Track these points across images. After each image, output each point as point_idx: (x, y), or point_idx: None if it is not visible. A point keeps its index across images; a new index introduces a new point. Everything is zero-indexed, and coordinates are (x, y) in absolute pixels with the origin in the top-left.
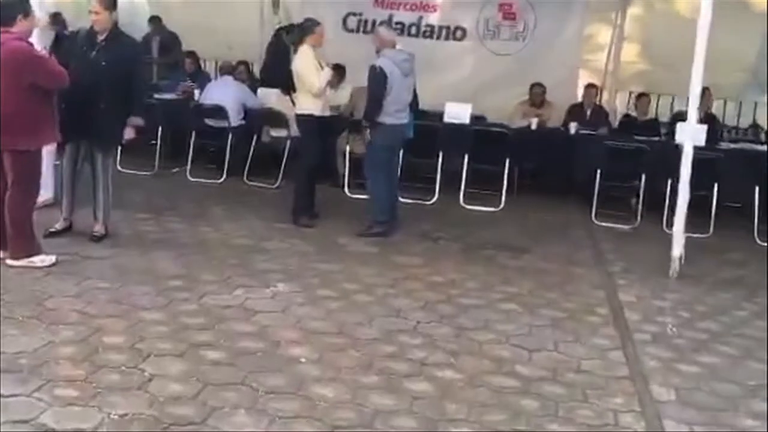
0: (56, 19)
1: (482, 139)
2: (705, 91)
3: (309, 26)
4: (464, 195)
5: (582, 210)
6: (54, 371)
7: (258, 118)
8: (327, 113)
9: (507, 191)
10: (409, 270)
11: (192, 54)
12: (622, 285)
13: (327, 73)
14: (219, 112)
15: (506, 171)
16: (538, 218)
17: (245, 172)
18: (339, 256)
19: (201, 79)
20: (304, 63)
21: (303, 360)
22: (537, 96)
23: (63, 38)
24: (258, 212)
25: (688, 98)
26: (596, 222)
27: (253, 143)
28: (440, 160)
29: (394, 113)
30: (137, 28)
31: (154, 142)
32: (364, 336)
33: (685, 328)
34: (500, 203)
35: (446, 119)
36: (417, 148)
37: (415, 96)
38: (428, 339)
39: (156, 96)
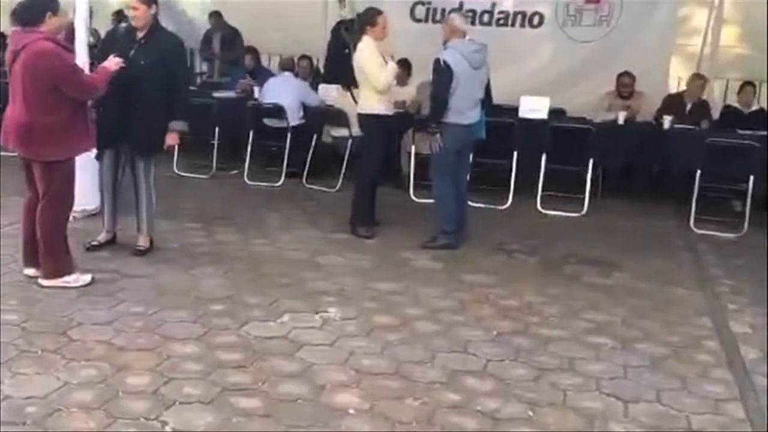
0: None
1: (562, 136)
2: None
3: (369, 16)
4: (542, 199)
5: (678, 216)
6: (62, 424)
7: (318, 117)
8: (392, 112)
9: (590, 195)
10: (480, 290)
11: (251, 49)
12: (732, 311)
13: (392, 68)
14: (277, 111)
15: (590, 172)
16: (628, 226)
17: (305, 175)
18: (400, 273)
19: (262, 75)
20: (366, 57)
21: (351, 411)
22: (625, 86)
23: None
24: (316, 221)
25: None
26: (695, 230)
27: (313, 144)
28: (515, 160)
29: (463, 112)
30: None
31: (212, 142)
32: (425, 378)
33: None
34: (583, 208)
35: (521, 114)
36: (489, 148)
37: (488, 92)
38: (501, 384)
39: (214, 94)
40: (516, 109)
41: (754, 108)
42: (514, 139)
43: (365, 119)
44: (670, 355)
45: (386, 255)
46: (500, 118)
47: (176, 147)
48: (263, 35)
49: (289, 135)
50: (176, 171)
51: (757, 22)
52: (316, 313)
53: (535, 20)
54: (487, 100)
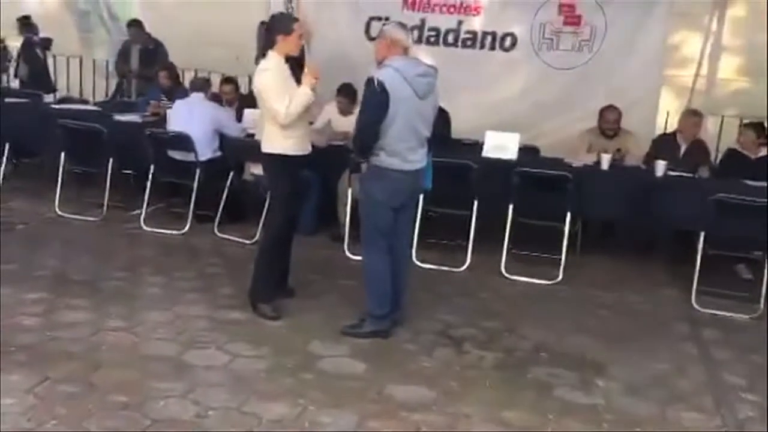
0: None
1: (534, 182)
2: None
3: (283, 23)
4: (507, 260)
5: (675, 284)
6: None
7: (236, 150)
8: (305, 152)
9: (568, 255)
10: (413, 417)
11: (167, 65)
12: None
13: (303, 95)
14: (182, 141)
15: (567, 227)
16: (614, 301)
17: (216, 221)
18: (299, 383)
19: (180, 96)
20: (267, 80)
21: None
22: (609, 123)
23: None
24: (210, 289)
25: None
26: (698, 307)
27: (229, 183)
28: (475, 210)
29: (402, 154)
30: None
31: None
32: None
33: None
34: (558, 273)
35: (485, 153)
36: (444, 194)
37: (443, 125)
38: None
39: (115, 117)
40: (479, 146)
41: (762, 153)
42: (475, 184)
43: (268, 160)
44: None
45: (289, 347)
46: (459, 159)
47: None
48: (199, 50)
49: (198, 171)
50: (57, 211)
51: (762, 50)
52: None
53: (507, 42)
54: (434, 139)
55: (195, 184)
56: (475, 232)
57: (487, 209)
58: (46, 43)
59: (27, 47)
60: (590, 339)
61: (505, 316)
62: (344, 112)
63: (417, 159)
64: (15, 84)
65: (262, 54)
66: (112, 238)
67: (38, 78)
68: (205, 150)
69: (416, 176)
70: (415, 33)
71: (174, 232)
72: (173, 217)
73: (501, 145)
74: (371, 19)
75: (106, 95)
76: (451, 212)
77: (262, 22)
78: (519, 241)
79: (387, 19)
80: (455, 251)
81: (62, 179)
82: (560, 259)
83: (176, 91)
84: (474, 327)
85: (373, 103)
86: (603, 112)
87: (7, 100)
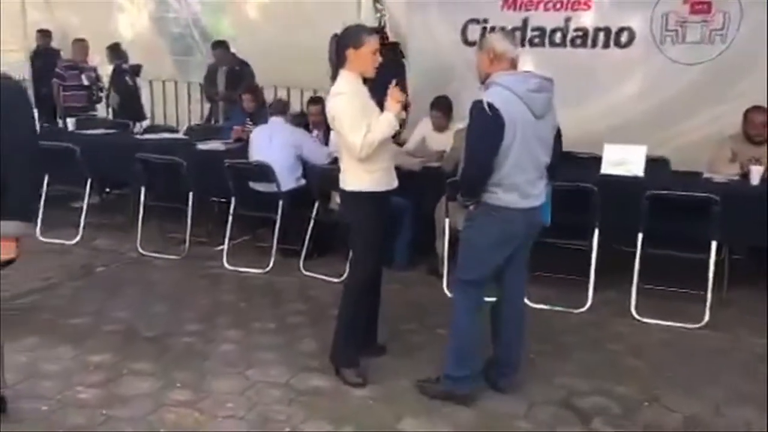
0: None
1: (669, 205)
2: None
3: (352, 36)
4: (637, 300)
5: None
6: None
7: (320, 178)
8: (390, 186)
9: (713, 291)
10: None
11: (251, 88)
12: None
13: (384, 125)
14: (263, 172)
15: (712, 258)
16: None
17: (302, 258)
18: None
19: (264, 119)
20: (340, 106)
21: None
22: (757, 127)
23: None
24: (292, 344)
25: None
26: None
27: (314, 213)
28: (596, 240)
29: (520, 188)
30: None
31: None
32: None
33: None
34: (703, 315)
35: (605, 170)
36: (559, 221)
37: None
38: None
39: (198, 146)
40: (596, 161)
41: None
42: (595, 210)
43: (348, 199)
44: None
45: (377, 424)
46: (577, 181)
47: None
48: (291, 67)
49: (280, 202)
50: (140, 249)
51: None
52: None
53: (624, 38)
54: (554, 164)
55: (278, 217)
56: (597, 264)
57: (610, 238)
58: (136, 70)
59: (117, 75)
60: (756, 410)
61: (643, 378)
62: (440, 128)
63: (537, 193)
64: (109, 113)
65: (333, 74)
66: (192, 280)
67: (129, 106)
68: (288, 179)
69: (535, 214)
70: (517, 35)
71: (257, 270)
72: (258, 253)
73: (623, 160)
74: (468, 21)
75: (201, 119)
76: (568, 244)
77: (335, 35)
78: (651, 276)
79: (485, 21)
80: (573, 288)
81: (144, 214)
82: (704, 297)
83: (261, 113)
84: (604, 394)
85: (485, 132)
86: (749, 114)
87: (92, 131)
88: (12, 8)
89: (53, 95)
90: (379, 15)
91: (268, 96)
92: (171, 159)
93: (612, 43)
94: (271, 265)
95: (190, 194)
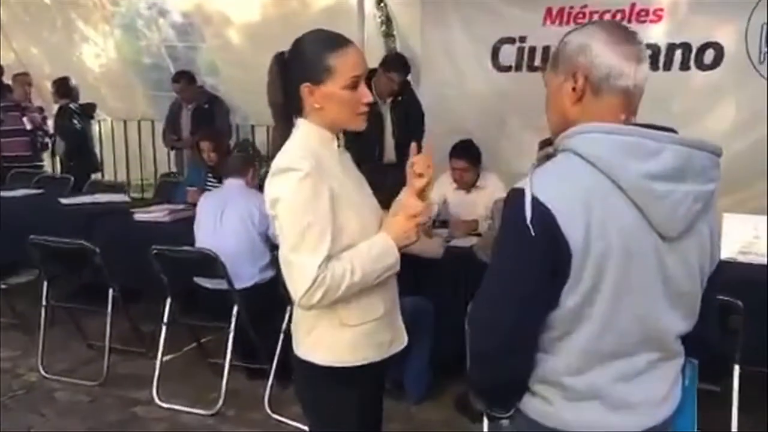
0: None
1: None
2: None
3: (308, 59)
4: None
5: None
6: None
7: None
8: (385, 354)
9: None
10: None
11: (213, 135)
12: None
13: (381, 251)
14: (207, 262)
15: None
16: None
17: (268, 389)
18: None
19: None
20: (290, 197)
21: None
22: None
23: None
24: None
25: None
26: None
27: (286, 319)
28: (737, 375)
29: (606, 389)
30: None
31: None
32: None
33: None
34: None
35: (728, 254)
36: None
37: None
38: None
39: (136, 216)
40: None
41: None
42: (737, 334)
43: (306, 372)
44: None
45: None
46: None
47: None
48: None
49: (235, 307)
50: (42, 372)
51: None
52: None
53: (708, 57)
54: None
55: (231, 328)
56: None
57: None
58: (88, 110)
59: (63, 117)
60: None
61: None
62: (465, 185)
63: (654, 396)
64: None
65: (280, 125)
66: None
67: (78, 155)
68: (246, 271)
69: None
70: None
71: (201, 412)
72: (209, 375)
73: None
74: (501, 40)
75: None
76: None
77: (279, 55)
78: None
79: (522, 39)
80: None
81: (52, 315)
82: None
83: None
84: None
85: (518, 263)
86: None
87: (7, 193)
88: None
89: None
90: (384, 27)
91: (261, 138)
92: (79, 244)
93: (692, 63)
94: (220, 402)
95: (110, 291)
